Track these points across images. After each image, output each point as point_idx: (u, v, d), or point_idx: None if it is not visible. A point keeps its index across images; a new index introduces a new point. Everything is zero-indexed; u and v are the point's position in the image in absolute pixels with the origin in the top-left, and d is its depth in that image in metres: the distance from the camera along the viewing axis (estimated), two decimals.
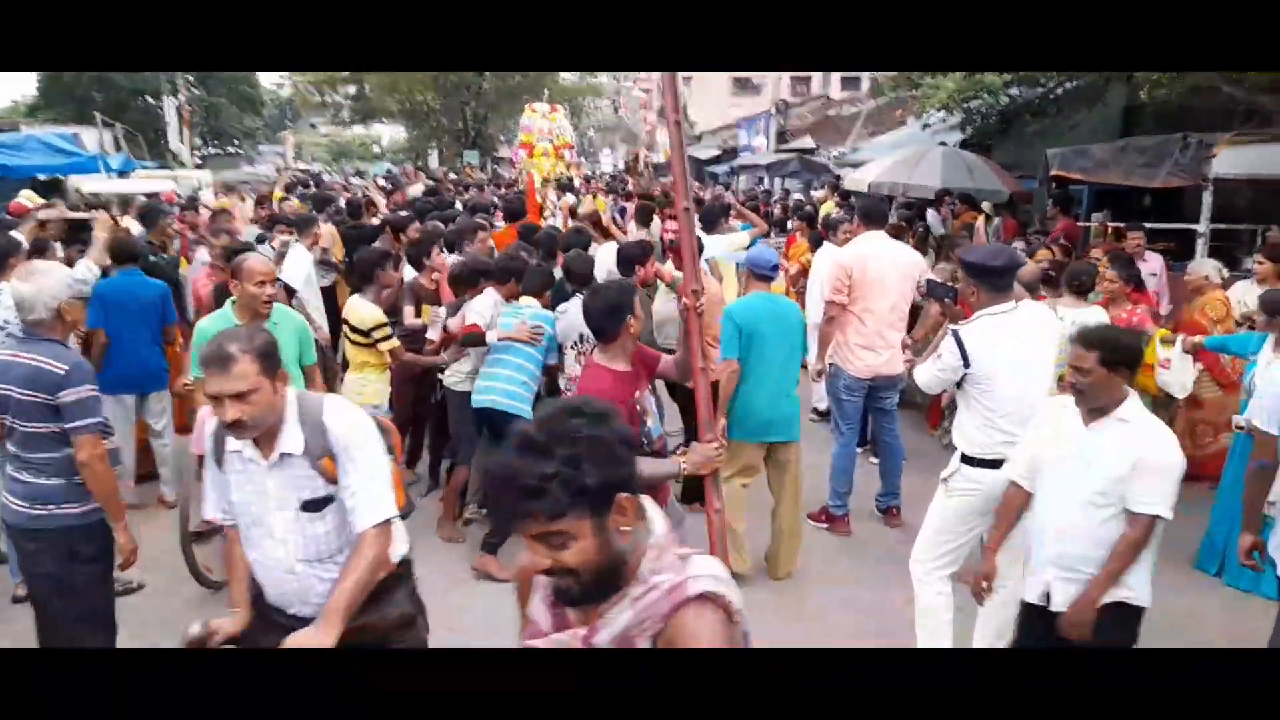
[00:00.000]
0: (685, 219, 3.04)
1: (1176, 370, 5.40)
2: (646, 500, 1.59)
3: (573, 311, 4.96)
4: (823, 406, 7.11)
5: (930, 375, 3.83)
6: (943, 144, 12.34)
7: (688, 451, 3.09)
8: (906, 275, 5.43)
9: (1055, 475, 3.09)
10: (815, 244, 8.20)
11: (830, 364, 5.55)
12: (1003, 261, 3.70)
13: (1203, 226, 7.69)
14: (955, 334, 3.66)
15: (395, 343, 5.03)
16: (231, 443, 2.46)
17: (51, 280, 3.29)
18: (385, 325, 5.01)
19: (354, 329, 5.00)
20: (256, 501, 2.47)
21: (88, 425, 3.15)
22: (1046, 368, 3.73)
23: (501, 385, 4.92)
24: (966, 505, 3.72)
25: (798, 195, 18.13)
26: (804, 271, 8.22)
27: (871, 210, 5.79)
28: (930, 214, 10.83)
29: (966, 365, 3.62)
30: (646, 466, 2.79)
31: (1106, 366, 2.90)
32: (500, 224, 8.79)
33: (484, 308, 5.10)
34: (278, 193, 15.49)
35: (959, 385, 3.73)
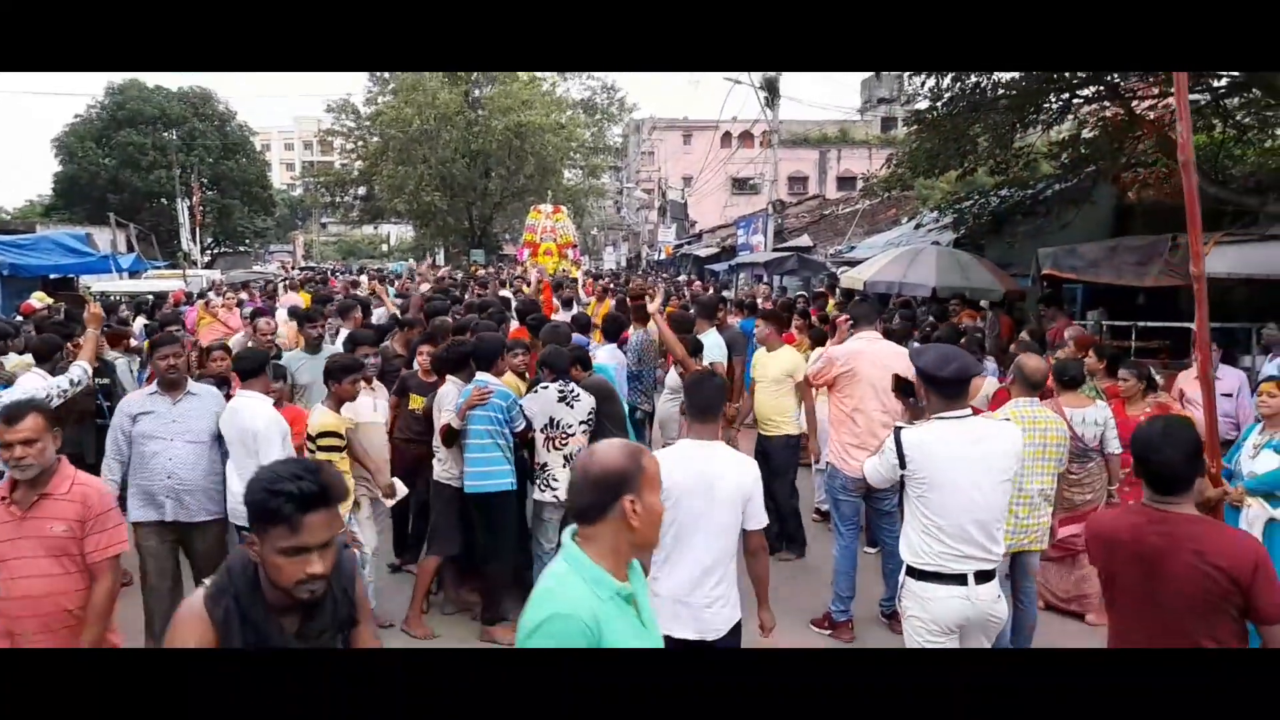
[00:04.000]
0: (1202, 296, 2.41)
1: None
2: None
3: (544, 396, 5.13)
4: (825, 508, 7.02)
5: (872, 469, 3.69)
6: (935, 243, 12.54)
7: None
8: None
9: None
10: (818, 340, 8.07)
11: (826, 464, 5.50)
12: (950, 373, 3.40)
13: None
14: (896, 431, 3.53)
15: (334, 455, 4.59)
16: None
17: None
18: (334, 435, 4.66)
19: (308, 436, 4.69)
20: None
21: None
22: (1000, 484, 3.40)
23: (480, 469, 4.98)
24: (916, 628, 3.40)
25: (798, 293, 18.31)
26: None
27: (859, 312, 5.78)
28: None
29: (903, 466, 3.46)
30: None
31: None
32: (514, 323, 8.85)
33: (448, 401, 5.13)
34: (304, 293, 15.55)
35: (902, 488, 3.58)
